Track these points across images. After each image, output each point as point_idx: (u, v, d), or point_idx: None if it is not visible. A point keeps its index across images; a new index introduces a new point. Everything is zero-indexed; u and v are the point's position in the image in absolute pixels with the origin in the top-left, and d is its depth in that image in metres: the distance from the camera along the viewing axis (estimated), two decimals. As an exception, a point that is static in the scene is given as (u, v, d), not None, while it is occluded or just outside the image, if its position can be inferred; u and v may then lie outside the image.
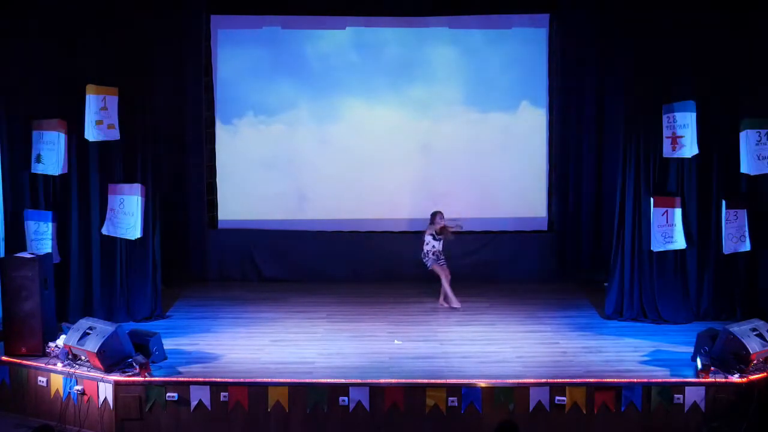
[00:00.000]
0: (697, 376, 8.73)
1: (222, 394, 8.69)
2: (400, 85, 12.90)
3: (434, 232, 11.19)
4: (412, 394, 8.67)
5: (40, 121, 10.48)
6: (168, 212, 11.78)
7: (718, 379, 8.69)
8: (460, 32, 12.82)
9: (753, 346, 8.83)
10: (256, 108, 12.97)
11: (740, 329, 9.01)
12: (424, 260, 11.31)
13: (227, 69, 12.90)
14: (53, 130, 10.45)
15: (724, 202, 10.42)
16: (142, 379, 8.76)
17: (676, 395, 8.64)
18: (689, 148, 10.33)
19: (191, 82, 12.63)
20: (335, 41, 12.88)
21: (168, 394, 8.70)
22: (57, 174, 10.52)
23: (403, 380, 8.79)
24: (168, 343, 9.63)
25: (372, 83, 12.92)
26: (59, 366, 9.12)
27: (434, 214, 11.30)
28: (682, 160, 10.51)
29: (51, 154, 10.44)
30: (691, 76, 10.42)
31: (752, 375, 8.75)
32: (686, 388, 8.67)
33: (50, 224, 10.56)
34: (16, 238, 10.52)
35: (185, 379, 8.84)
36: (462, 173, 13.00)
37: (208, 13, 12.67)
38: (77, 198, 10.73)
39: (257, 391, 8.69)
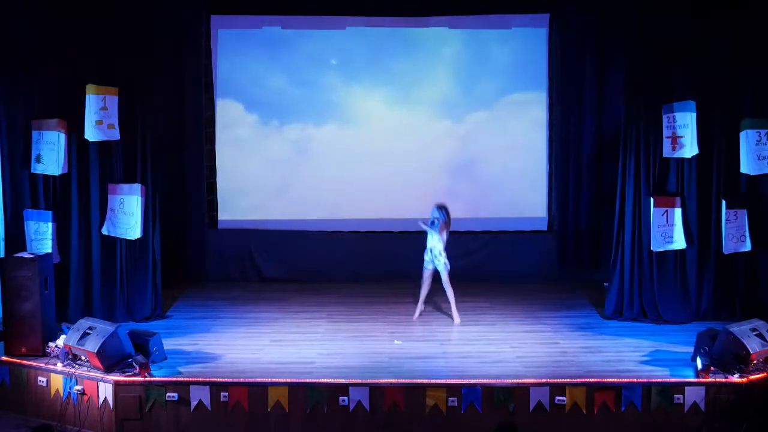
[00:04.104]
0: (697, 376, 8.73)
1: (222, 394, 8.69)
2: (399, 84, 12.91)
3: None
4: (412, 394, 8.67)
5: (40, 121, 10.49)
6: (168, 212, 11.77)
7: (718, 379, 8.68)
8: (460, 32, 12.83)
9: (753, 346, 8.83)
10: (255, 108, 12.99)
11: (740, 329, 9.01)
12: (443, 261, 10.69)
13: (227, 69, 12.91)
14: (53, 130, 10.44)
15: (724, 202, 10.42)
16: (142, 379, 8.76)
17: (676, 395, 8.64)
18: (689, 148, 10.34)
19: (191, 82, 12.63)
20: (335, 41, 12.89)
21: (168, 394, 8.69)
22: (57, 174, 10.52)
23: (403, 380, 8.79)
24: (168, 343, 9.63)
25: (372, 84, 12.93)
26: (59, 366, 9.12)
27: (445, 208, 10.76)
28: (682, 160, 10.51)
29: (51, 154, 10.44)
30: (691, 76, 10.42)
31: (752, 375, 8.75)
32: (686, 388, 8.66)
33: (50, 224, 10.56)
34: (16, 238, 10.52)
35: (185, 379, 8.83)
36: (462, 173, 13.02)
37: (208, 13, 12.68)
38: (77, 198, 10.73)
39: (257, 391, 8.69)
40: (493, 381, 8.74)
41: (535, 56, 12.88)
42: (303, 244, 12.97)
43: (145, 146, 10.85)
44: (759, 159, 10.25)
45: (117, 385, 8.75)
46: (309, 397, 8.65)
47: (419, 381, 8.78)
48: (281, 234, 13.02)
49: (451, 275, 10.76)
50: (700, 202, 10.63)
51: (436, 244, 10.66)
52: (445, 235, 10.70)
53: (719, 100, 10.44)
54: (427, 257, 10.76)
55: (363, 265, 12.87)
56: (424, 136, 12.97)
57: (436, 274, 10.81)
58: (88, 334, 9.04)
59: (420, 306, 10.96)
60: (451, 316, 10.86)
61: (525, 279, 12.63)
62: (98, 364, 8.87)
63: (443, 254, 10.67)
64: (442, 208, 10.73)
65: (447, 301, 10.92)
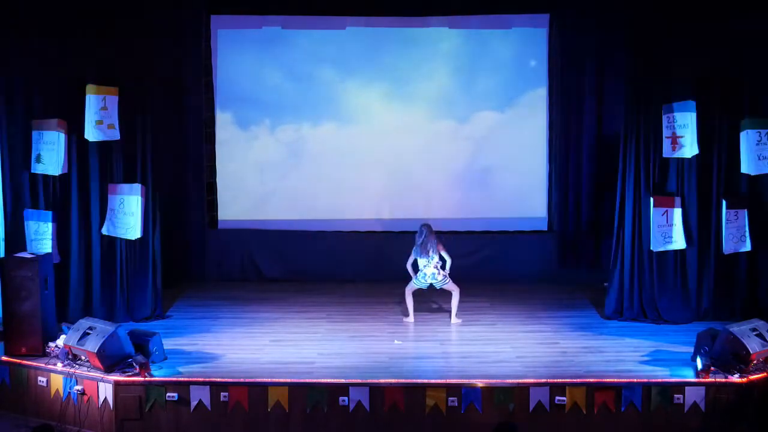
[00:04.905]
0: (697, 376, 8.73)
1: (222, 394, 8.69)
2: (399, 85, 12.91)
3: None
4: (412, 394, 8.67)
5: (40, 121, 10.48)
6: (168, 212, 11.77)
7: (718, 379, 8.68)
8: (460, 32, 12.83)
9: (753, 346, 8.83)
10: (256, 108, 12.99)
11: (740, 329, 9.01)
12: (444, 280, 10.73)
13: (227, 69, 12.91)
14: (53, 130, 10.44)
15: (724, 202, 10.41)
16: (142, 379, 8.76)
17: (676, 395, 8.64)
18: (689, 148, 10.33)
19: (191, 82, 12.63)
20: (335, 41, 12.88)
21: (168, 394, 8.70)
22: (57, 174, 10.51)
23: (403, 380, 8.79)
24: (168, 343, 9.63)
25: (371, 83, 12.92)
26: (59, 366, 9.12)
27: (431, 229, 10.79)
28: (682, 160, 10.51)
29: (51, 154, 10.43)
30: (691, 76, 10.42)
31: (752, 375, 8.75)
32: (686, 388, 8.66)
33: (50, 224, 10.56)
34: (16, 238, 10.52)
35: (185, 379, 8.84)
36: (462, 173, 13.03)
37: (208, 13, 12.68)
38: (77, 198, 10.73)
39: (257, 391, 8.69)
40: (493, 381, 8.74)
41: (535, 56, 12.88)
42: (303, 244, 12.97)
43: (145, 146, 10.84)
44: (759, 159, 10.24)
45: (117, 385, 8.75)
46: (309, 397, 8.65)
47: (419, 381, 8.78)
48: (281, 234, 13.03)
49: (451, 275, 10.76)
50: (700, 202, 10.63)
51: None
52: (417, 257, 10.73)
53: (719, 100, 10.44)
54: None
55: (363, 265, 12.87)
56: (424, 136, 12.97)
57: (416, 292, 10.95)
58: (88, 334, 9.04)
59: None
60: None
61: (525, 279, 12.64)
62: (98, 364, 8.87)
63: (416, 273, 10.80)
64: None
65: (449, 301, 10.95)
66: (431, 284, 10.77)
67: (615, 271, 10.93)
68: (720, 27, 10.34)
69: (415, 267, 10.84)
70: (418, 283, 10.78)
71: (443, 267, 10.71)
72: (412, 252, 10.79)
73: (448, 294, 10.88)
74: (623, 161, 10.77)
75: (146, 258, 11.00)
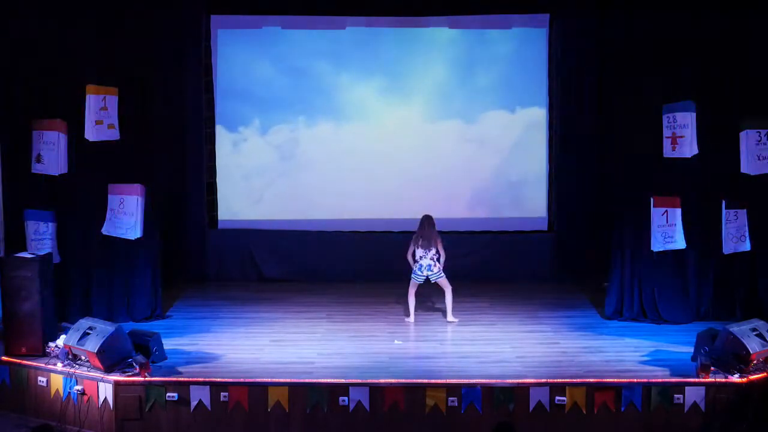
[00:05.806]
0: (697, 376, 8.73)
1: (222, 394, 8.69)
2: (399, 84, 12.92)
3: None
4: (412, 394, 8.67)
5: (40, 121, 10.46)
6: (168, 212, 11.78)
7: (718, 379, 8.69)
8: (460, 32, 12.84)
9: (753, 346, 8.83)
10: (256, 108, 13.00)
11: (740, 329, 9.01)
12: (439, 274, 10.79)
13: (227, 69, 12.91)
14: (53, 130, 10.42)
15: (724, 202, 10.41)
16: (142, 379, 8.76)
17: (676, 395, 8.64)
18: (689, 148, 10.31)
19: (191, 82, 12.63)
20: (335, 41, 12.89)
21: (168, 394, 8.70)
22: (57, 174, 10.50)
23: (403, 380, 8.79)
24: (168, 343, 9.63)
25: (371, 83, 12.93)
26: (59, 366, 9.13)
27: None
28: (682, 160, 10.50)
29: (51, 154, 10.42)
30: (691, 76, 10.42)
31: (752, 375, 8.75)
32: (686, 388, 8.66)
33: (50, 224, 10.56)
34: (16, 238, 10.52)
35: (185, 379, 8.84)
36: (462, 173, 13.03)
37: (208, 13, 12.69)
38: (77, 198, 10.73)
39: (257, 391, 8.69)
40: (493, 381, 8.74)
41: (536, 56, 12.89)
42: (303, 244, 12.99)
43: (145, 146, 10.85)
44: (759, 159, 10.22)
45: (117, 385, 8.75)
46: (309, 397, 8.66)
47: (419, 381, 8.78)
48: (281, 234, 13.04)
49: (451, 275, 10.78)
50: (700, 202, 10.63)
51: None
52: (415, 247, 10.75)
53: (719, 100, 10.44)
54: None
55: (363, 265, 12.87)
56: (424, 135, 12.98)
57: (421, 286, 10.96)
58: (88, 334, 9.04)
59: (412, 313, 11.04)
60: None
61: (525, 279, 12.65)
62: (98, 364, 8.87)
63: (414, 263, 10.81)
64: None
65: (444, 300, 10.96)
66: (427, 277, 10.76)
67: (615, 271, 10.94)
68: (720, 26, 10.34)
69: (413, 258, 10.83)
70: (417, 277, 10.78)
71: (438, 260, 10.71)
72: (412, 242, 10.80)
73: (444, 293, 10.88)
74: (623, 161, 10.77)
75: (146, 258, 11.00)
